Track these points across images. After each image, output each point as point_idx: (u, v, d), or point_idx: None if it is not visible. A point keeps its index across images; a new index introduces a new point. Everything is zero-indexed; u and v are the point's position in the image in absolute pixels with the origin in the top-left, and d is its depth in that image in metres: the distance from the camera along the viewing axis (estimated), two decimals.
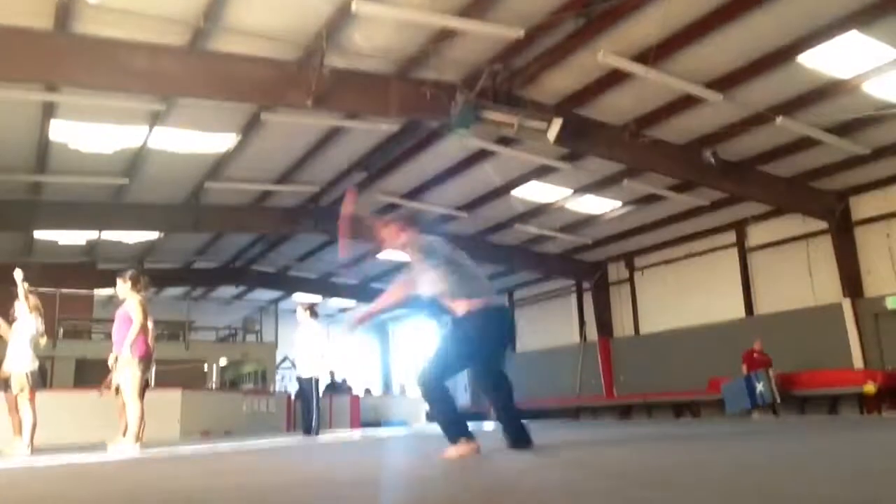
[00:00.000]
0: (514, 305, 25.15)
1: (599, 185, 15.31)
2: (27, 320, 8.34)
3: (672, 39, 9.75)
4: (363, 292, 25.76)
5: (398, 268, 22.49)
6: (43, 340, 8.50)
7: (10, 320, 8.60)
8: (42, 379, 8.56)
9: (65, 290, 17.34)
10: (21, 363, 8.14)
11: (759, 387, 14.22)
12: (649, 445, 5.80)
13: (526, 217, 17.35)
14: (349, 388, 21.35)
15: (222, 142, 12.70)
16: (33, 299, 8.51)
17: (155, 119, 11.53)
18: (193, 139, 12.40)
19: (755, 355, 14.71)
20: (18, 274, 8.23)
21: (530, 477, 3.38)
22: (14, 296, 8.50)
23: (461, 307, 4.98)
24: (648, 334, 19.85)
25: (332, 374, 20.99)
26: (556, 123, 10.73)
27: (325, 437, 10.99)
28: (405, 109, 11.04)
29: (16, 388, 8.17)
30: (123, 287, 8.35)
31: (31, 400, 8.16)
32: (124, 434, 8.11)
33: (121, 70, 9.33)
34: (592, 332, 21.43)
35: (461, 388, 27.00)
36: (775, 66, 10.38)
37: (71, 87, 10.18)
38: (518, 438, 5.02)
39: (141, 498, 3.24)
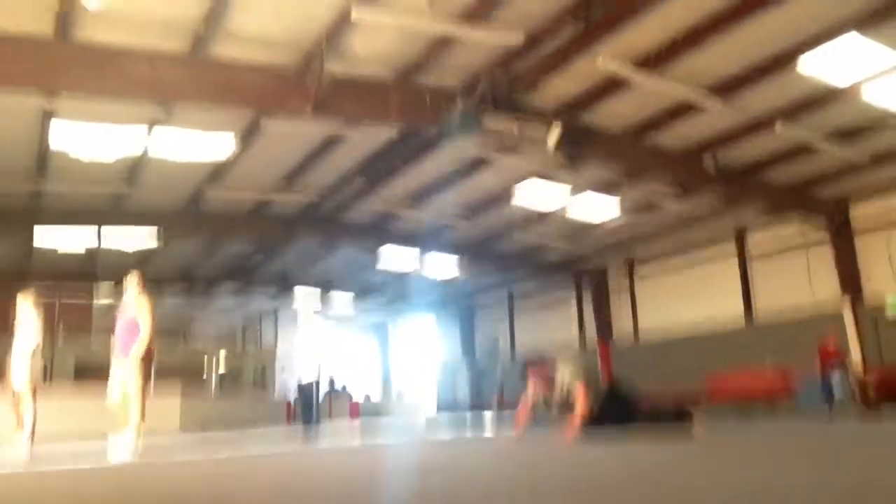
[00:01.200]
0: (514, 311, 25.18)
1: (599, 192, 15.28)
2: (31, 329, 8.32)
3: (671, 45, 9.76)
4: (363, 298, 25.77)
5: (398, 278, 22.53)
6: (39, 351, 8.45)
7: (11, 324, 8.59)
8: (42, 375, 8.56)
9: (65, 300, 17.32)
10: (23, 376, 8.13)
11: (836, 382, 13.10)
12: (646, 447, 5.78)
13: (526, 223, 17.34)
14: (349, 396, 21.34)
15: (222, 149, 12.69)
16: (35, 294, 8.51)
17: (155, 126, 11.52)
18: (193, 146, 12.38)
19: (831, 349, 13.50)
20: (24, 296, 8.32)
21: (529, 473, 3.38)
22: (14, 301, 8.51)
23: None
24: (648, 340, 19.84)
25: (331, 379, 21.00)
26: (556, 130, 10.74)
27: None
28: (405, 116, 11.04)
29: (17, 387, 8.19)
30: (131, 286, 8.28)
31: (33, 395, 8.16)
32: (125, 430, 8.10)
33: (121, 77, 9.33)
34: (593, 338, 21.40)
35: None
36: (775, 73, 10.39)
37: (71, 94, 10.18)
38: None
39: (140, 493, 3.24)
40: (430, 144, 12.95)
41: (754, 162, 13.60)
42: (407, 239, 18.37)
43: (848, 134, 12.23)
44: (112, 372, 8.69)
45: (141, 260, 19.08)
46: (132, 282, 8.17)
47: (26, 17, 8.60)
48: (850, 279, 15.15)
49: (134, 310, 8.14)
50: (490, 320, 26.29)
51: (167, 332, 19.09)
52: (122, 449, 7.45)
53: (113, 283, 17.01)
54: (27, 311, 8.30)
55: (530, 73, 10.61)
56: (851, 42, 9.45)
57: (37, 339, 8.25)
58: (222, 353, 21.57)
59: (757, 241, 17.37)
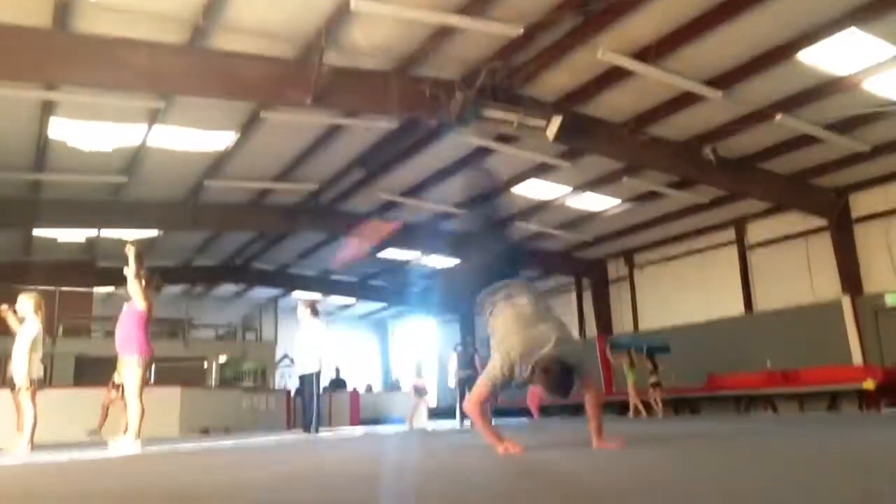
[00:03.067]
0: None
1: (599, 183, 15.31)
2: (31, 322, 8.33)
3: (671, 36, 9.76)
4: (362, 289, 25.81)
5: (397, 266, 22.55)
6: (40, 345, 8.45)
7: (15, 317, 8.62)
8: (43, 377, 8.55)
9: (64, 289, 17.32)
10: (21, 369, 8.15)
11: None
12: (644, 445, 5.80)
13: (526, 214, 17.36)
14: (347, 384, 21.38)
15: (222, 140, 12.71)
16: (37, 297, 8.53)
17: (154, 117, 11.53)
18: (193, 137, 12.41)
19: None
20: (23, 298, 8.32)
21: (527, 475, 3.39)
22: (18, 293, 8.54)
23: None
24: (647, 331, 19.85)
25: (337, 370, 21.02)
26: (556, 121, 10.74)
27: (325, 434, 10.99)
28: (405, 107, 11.03)
29: (19, 386, 8.20)
30: (129, 266, 8.24)
31: (33, 397, 8.17)
32: (125, 432, 8.13)
33: (120, 68, 9.33)
34: (592, 329, 21.44)
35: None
36: (775, 63, 10.38)
37: (70, 85, 10.18)
38: None
39: (141, 494, 3.24)
40: (430, 135, 12.95)
41: (754, 152, 13.60)
42: (406, 229, 18.37)
43: (848, 124, 12.22)
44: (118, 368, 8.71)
45: (139, 253, 19.09)
46: (129, 257, 8.08)
47: (25, 7, 8.58)
48: (850, 269, 15.17)
49: (133, 298, 8.14)
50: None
51: (167, 326, 19.06)
52: (121, 450, 7.46)
53: (111, 274, 16.98)
54: (28, 313, 8.31)
55: (530, 65, 10.61)
56: (851, 34, 9.46)
57: (37, 329, 8.27)
58: (222, 346, 21.62)
59: (756, 230, 17.37)
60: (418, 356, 18.78)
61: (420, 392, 14.54)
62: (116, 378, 9.51)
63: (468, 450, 5.51)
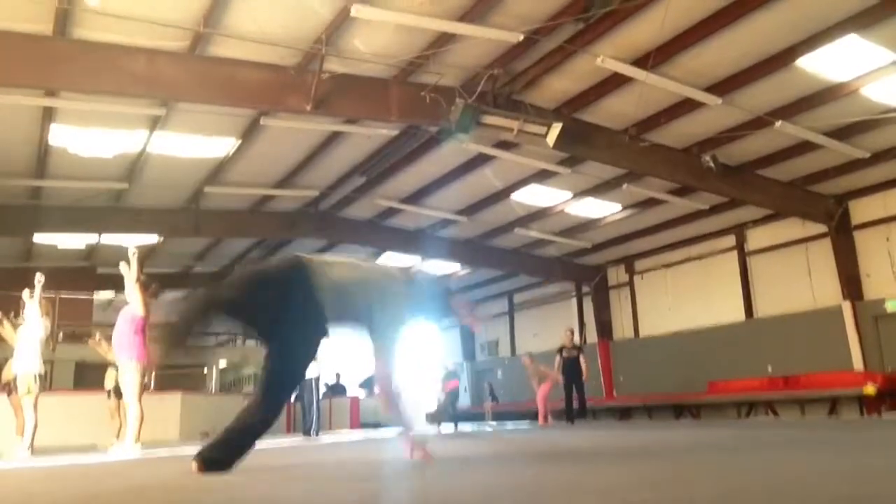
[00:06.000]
0: (513, 309, 25.17)
1: (599, 189, 15.32)
2: (38, 322, 8.37)
3: (671, 43, 9.77)
4: None
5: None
6: (47, 344, 8.52)
7: (11, 322, 8.67)
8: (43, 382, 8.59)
9: (64, 295, 17.33)
10: (29, 364, 8.18)
11: None
12: (645, 446, 5.79)
13: (526, 221, 17.36)
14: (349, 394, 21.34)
15: (222, 146, 12.73)
16: (45, 303, 8.59)
17: (155, 124, 11.56)
18: (193, 144, 12.44)
19: None
20: (40, 278, 8.39)
21: (528, 475, 3.39)
22: (18, 299, 8.60)
23: None
24: (648, 337, 19.84)
25: (338, 375, 20.98)
26: (556, 127, 10.75)
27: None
28: (405, 114, 11.06)
29: (22, 388, 8.22)
30: (130, 270, 8.22)
31: (35, 404, 8.20)
32: (118, 436, 8.17)
33: (120, 75, 9.35)
34: (592, 335, 21.42)
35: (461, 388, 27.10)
36: (774, 70, 10.38)
37: (71, 92, 10.20)
38: None
39: (139, 497, 3.25)
40: (431, 142, 12.97)
41: (754, 159, 13.60)
42: (407, 235, 18.39)
43: (848, 131, 12.23)
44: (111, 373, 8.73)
45: (141, 256, 19.10)
46: (132, 261, 8.11)
47: (26, 14, 8.60)
48: (850, 275, 15.14)
49: (132, 303, 8.17)
50: (490, 322, 26.31)
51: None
52: (120, 454, 7.47)
53: (111, 281, 16.98)
54: (37, 317, 8.35)
55: (530, 72, 10.63)
56: (851, 41, 9.47)
57: (44, 341, 8.32)
58: (223, 351, 21.60)
59: (756, 236, 17.37)
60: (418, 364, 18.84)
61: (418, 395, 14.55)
62: (107, 382, 9.51)
63: (465, 452, 5.51)
